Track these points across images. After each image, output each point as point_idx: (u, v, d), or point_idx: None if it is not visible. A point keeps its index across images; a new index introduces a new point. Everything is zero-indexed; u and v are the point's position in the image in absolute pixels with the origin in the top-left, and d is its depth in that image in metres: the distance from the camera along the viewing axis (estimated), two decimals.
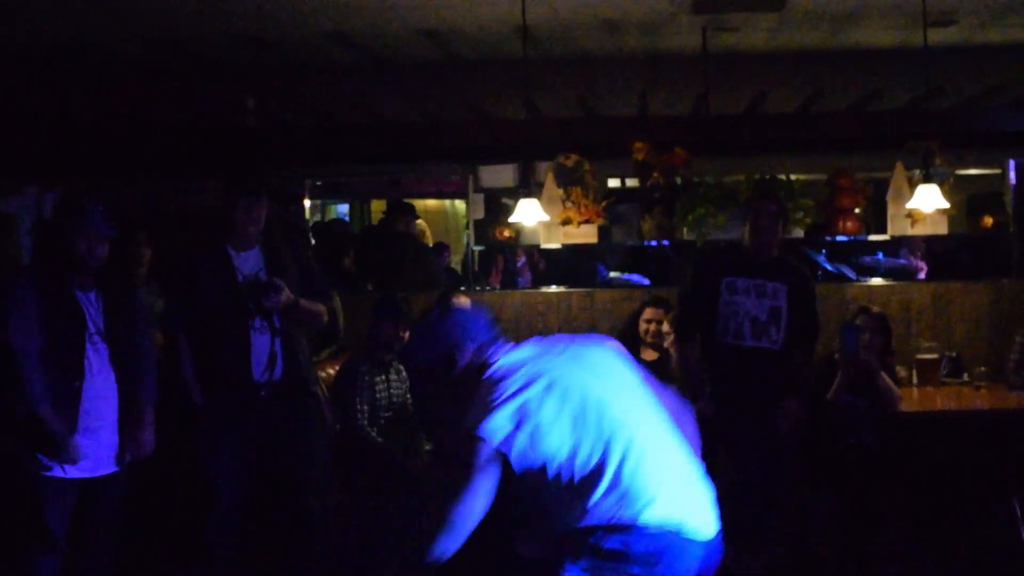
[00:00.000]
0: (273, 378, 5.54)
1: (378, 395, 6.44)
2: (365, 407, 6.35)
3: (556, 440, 3.39)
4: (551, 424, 3.40)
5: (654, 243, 8.40)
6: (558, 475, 3.40)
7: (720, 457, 5.82)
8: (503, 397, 3.43)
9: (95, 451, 4.95)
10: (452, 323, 3.81)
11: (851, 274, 9.16)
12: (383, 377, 6.51)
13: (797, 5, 7.72)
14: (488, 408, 3.42)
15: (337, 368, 6.87)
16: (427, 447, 6.62)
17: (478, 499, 3.41)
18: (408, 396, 6.66)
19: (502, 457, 3.41)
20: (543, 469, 3.41)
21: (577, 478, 3.38)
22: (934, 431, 6.46)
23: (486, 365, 3.64)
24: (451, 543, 3.41)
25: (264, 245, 5.64)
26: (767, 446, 6.00)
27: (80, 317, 4.94)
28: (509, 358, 3.62)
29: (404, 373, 6.71)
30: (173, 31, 8.19)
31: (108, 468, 5.03)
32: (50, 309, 4.86)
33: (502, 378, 3.50)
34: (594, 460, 3.37)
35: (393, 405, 6.55)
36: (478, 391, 3.53)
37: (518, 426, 3.39)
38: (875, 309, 6.74)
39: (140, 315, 5.28)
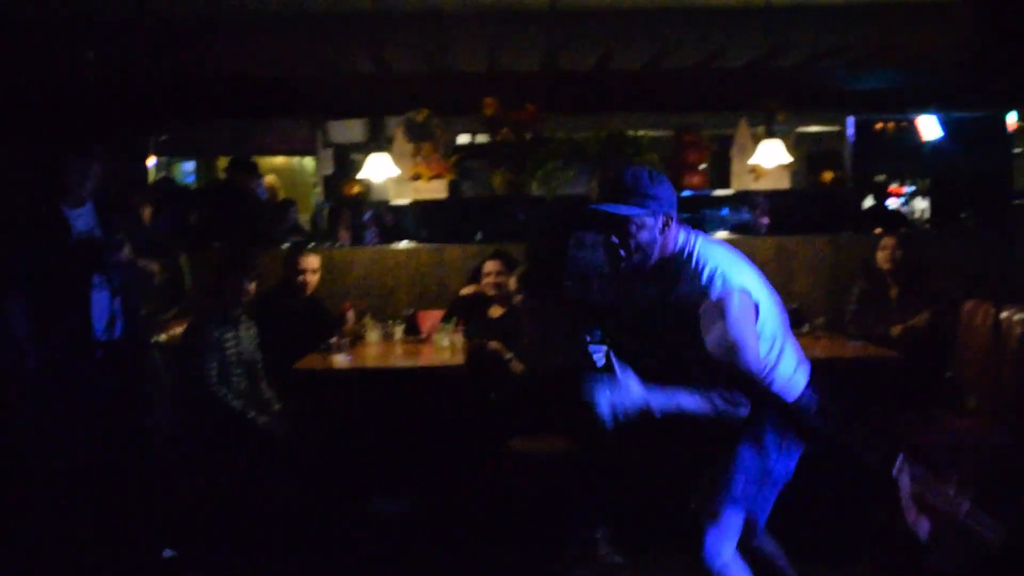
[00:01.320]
0: (113, 337, 5.43)
1: (227, 352, 6.35)
2: (214, 365, 6.26)
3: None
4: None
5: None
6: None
7: None
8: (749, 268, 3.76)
9: None
10: (667, 188, 3.77)
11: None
12: (233, 334, 6.42)
13: None
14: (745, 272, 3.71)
15: (184, 327, 6.77)
16: (277, 406, 6.57)
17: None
18: (258, 352, 6.60)
19: None
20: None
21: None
22: None
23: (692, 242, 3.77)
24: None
25: (98, 201, 5.50)
26: None
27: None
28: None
29: (254, 329, 6.64)
30: None
31: None
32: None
33: (735, 255, 3.78)
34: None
35: (243, 361, 6.48)
36: (707, 263, 3.67)
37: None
38: None
39: None
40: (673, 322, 3.76)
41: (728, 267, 3.69)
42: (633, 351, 3.85)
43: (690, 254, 3.74)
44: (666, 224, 3.72)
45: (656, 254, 3.75)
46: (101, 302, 5.37)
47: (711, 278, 3.65)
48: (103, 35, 9.03)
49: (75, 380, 5.35)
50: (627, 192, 3.71)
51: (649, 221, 3.70)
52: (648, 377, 3.74)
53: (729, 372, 3.67)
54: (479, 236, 8.59)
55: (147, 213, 7.44)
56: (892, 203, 12.04)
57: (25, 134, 8.65)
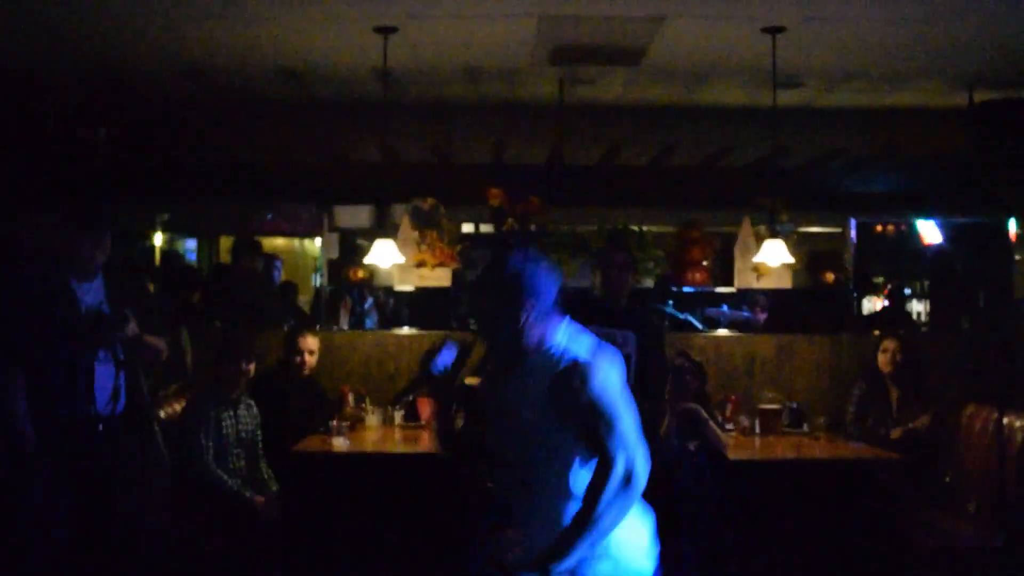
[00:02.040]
0: (115, 412, 5.42)
1: (224, 432, 6.36)
2: (211, 444, 6.27)
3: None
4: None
5: None
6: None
7: None
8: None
9: None
10: (532, 274, 3.52)
11: (698, 324, 9.37)
12: (231, 413, 6.44)
13: (652, 61, 7.89)
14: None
15: (183, 404, 6.77)
16: (275, 486, 6.56)
17: None
18: (258, 432, 6.60)
19: None
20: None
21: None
22: (774, 479, 6.61)
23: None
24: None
25: (106, 277, 5.52)
26: None
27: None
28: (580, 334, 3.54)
29: (254, 408, 6.65)
30: (27, 57, 7.98)
31: None
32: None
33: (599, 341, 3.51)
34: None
35: (242, 441, 6.48)
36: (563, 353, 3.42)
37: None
38: (695, 357, 7.00)
39: None
40: (529, 419, 3.45)
41: (591, 347, 3.46)
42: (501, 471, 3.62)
43: (552, 344, 3.48)
44: (525, 313, 3.46)
45: (507, 338, 3.51)
46: (105, 376, 5.37)
47: (566, 350, 3.44)
48: (114, 114, 9.13)
49: (75, 455, 5.33)
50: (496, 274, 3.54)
51: (508, 311, 3.47)
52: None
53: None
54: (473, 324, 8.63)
55: (153, 289, 7.48)
56: (878, 304, 12.08)
57: (35, 207, 8.72)
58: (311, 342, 7.32)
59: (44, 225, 7.90)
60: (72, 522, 5.38)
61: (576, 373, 3.37)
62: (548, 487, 3.46)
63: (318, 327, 8.61)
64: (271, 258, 9.59)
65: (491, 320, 3.58)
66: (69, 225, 5.44)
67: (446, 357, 3.71)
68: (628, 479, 3.35)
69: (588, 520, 3.33)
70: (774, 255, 7.59)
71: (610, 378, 3.40)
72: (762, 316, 10.16)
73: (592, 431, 3.39)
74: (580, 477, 3.43)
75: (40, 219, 8.42)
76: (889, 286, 11.80)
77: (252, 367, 6.62)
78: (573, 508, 3.39)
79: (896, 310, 11.00)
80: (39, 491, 5.30)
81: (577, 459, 3.44)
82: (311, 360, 7.30)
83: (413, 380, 7.46)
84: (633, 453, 3.37)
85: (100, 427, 5.36)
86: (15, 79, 8.55)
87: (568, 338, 3.48)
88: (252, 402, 6.67)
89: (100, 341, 5.33)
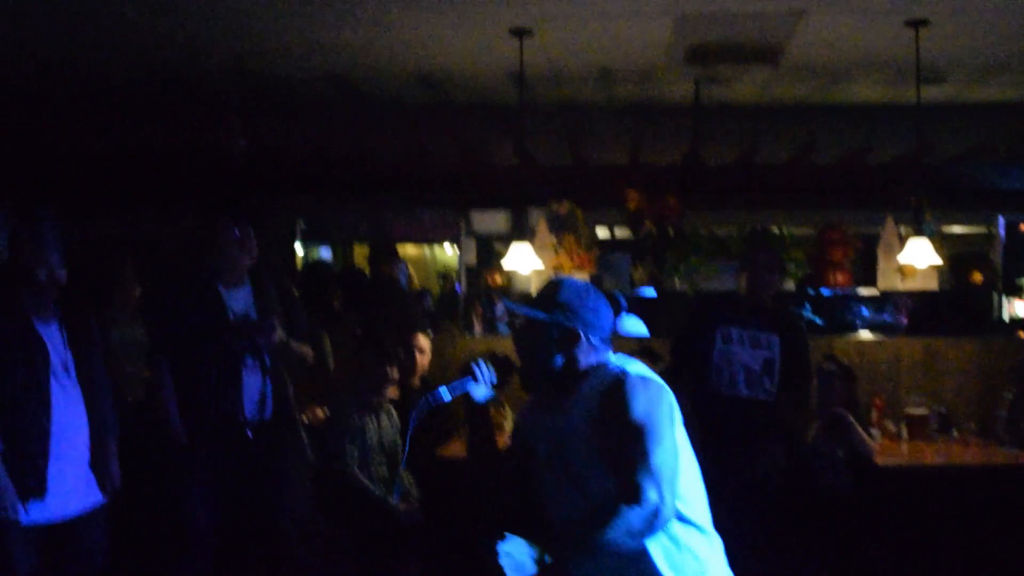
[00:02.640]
0: (263, 417, 5.49)
1: (368, 439, 6.39)
2: (355, 451, 6.30)
3: None
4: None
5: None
6: None
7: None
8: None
9: (68, 488, 4.76)
10: (584, 304, 3.38)
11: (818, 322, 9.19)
12: (373, 419, 6.47)
13: (790, 59, 7.76)
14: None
15: (324, 408, 6.83)
16: (417, 492, 6.58)
17: None
18: (399, 439, 6.62)
19: None
20: None
21: None
22: (923, 486, 6.44)
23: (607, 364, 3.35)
24: None
25: (253, 283, 5.59)
26: (753, 494, 5.97)
27: (43, 350, 4.78)
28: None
29: (395, 415, 6.68)
30: (170, 63, 8.16)
31: (82, 505, 4.86)
32: (8, 344, 4.71)
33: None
34: None
35: (385, 449, 6.50)
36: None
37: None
38: (844, 360, 6.86)
39: (99, 346, 5.14)
40: (577, 451, 3.25)
41: (641, 369, 3.30)
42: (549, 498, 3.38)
43: (600, 371, 3.32)
44: (576, 341, 3.32)
45: (558, 368, 3.33)
46: (253, 383, 5.44)
47: (614, 371, 3.26)
48: (254, 123, 9.28)
49: (224, 459, 5.41)
50: (544, 299, 3.40)
51: (555, 332, 3.32)
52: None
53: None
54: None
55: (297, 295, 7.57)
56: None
57: (180, 212, 8.91)
58: (422, 341, 7.31)
59: (191, 229, 8.07)
60: (219, 526, 5.46)
61: (623, 387, 3.17)
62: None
63: (453, 332, 8.63)
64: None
65: (539, 353, 3.34)
66: (214, 227, 5.52)
67: (458, 388, 3.39)
68: (651, 521, 3.05)
69: (591, 536, 3.07)
70: (920, 255, 7.39)
71: (660, 403, 3.18)
72: (902, 319, 9.92)
73: (627, 459, 3.09)
74: None
75: (187, 223, 8.61)
76: None
77: (396, 372, 6.65)
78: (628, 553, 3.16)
79: None
80: (189, 493, 5.40)
81: None
82: (422, 360, 7.28)
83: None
84: (665, 495, 3.05)
85: (249, 433, 5.42)
86: (156, 87, 8.75)
87: (619, 363, 3.34)
88: (393, 408, 6.70)
89: (248, 347, 5.40)
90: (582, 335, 3.32)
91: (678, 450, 3.19)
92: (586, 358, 3.34)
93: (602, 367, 3.32)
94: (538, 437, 3.41)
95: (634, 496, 3.02)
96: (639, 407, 3.13)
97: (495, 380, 3.46)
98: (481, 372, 3.45)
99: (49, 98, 9.24)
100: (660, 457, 3.08)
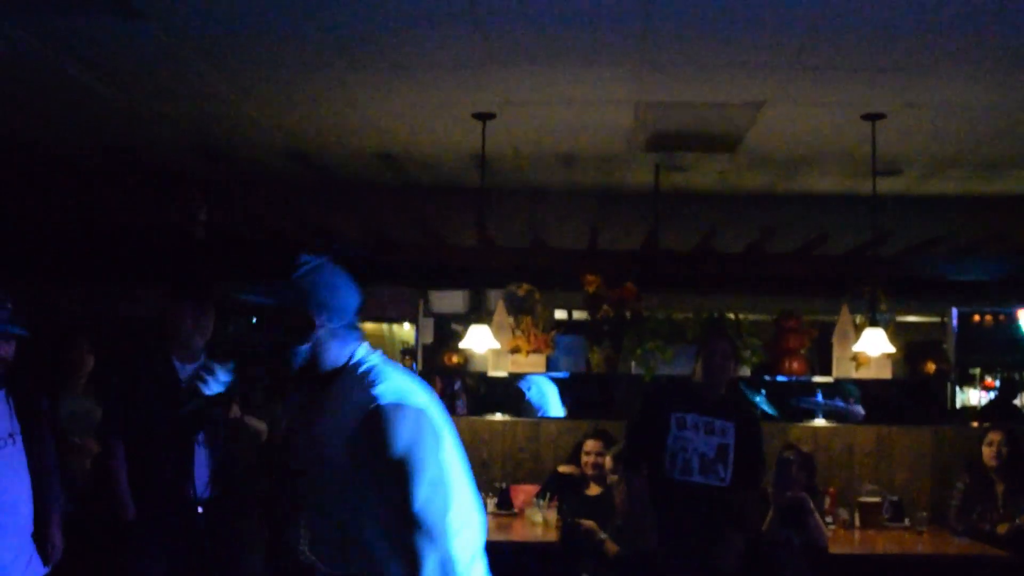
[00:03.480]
0: (214, 494, 5.45)
1: None
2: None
3: None
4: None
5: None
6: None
7: None
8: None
9: (9, 560, 4.70)
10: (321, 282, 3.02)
11: (771, 412, 9.24)
12: None
13: (749, 149, 7.86)
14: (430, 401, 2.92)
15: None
16: None
17: None
18: None
19: None
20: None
21: None
22: (876, 574, 6.46)
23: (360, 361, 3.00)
24: None
25: (208, 357, 5.58)
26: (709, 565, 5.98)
27: None
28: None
29: None
30: (129, 139, 8.16)
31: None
32: None
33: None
34: None
35: None
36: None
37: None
38: (803, 448, 6.89)
39: (46, 417, 5.10)
40: (321, 462, 2.91)
41: (408, 386, 2.90)
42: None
43: (359, 370, 2.96)
44: (311, 328, 2.94)
45: (300, 363, 2.96)
46: (205, 458, 5.41)
47: (377, 387, 2.85)
48: (212, 194, 9.28)
49: (174, 534, 5.36)
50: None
51: (288, 320, 2.95)
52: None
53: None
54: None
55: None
56: (983, 397, 11.86)
57: (137, 283, 8.87)
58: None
59: (145, 300, 8.04)
60: None
61: (379, 420, 2.78)
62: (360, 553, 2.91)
63: None
64: None
65: (280, 341, 2.97)
66: (172, 305, 5.52)
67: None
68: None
69: None
70: (874, 344, 7.46)
71: (421, 436, 2.79)
72: (857, 407, 9.98)
73: (393, 508, 2.77)
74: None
75: (142, 294, 8.56)
76: (998, 378, 11.56)
77: None
78: None
79: (1005, 403, 10.74)
80: (138, 567, 5.34)
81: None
82: None
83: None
84: (443, 544, 2.74)
85: (200, 509, 5.38)
86: (116, 156, 8.74)
87: (380, 364, 2.99)
88: None
89: (202, 423, 5.37)
90: (319, 320, 2.94)
91: (445, 479, 2.83)
92: (332, 348, 2.98)
93: (359, 368, 2.96)
94: (296, 445, 3.06)
95: (413, 566, 2.73)
96: (398, 444, 2.76)
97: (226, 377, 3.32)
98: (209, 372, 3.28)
99: (6, 171, 9.21)
100: (427, 500, 2.75)
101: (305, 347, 2.95)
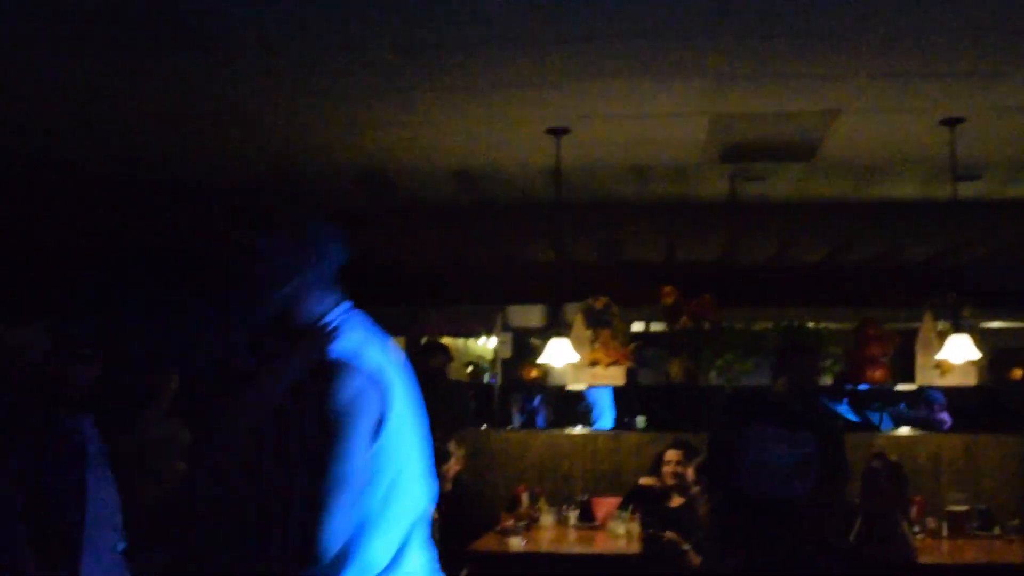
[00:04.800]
0: None
1: None
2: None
3: None
4: None
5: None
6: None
7: None
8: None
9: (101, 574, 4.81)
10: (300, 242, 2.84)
11: (876, 421, 9.14)
12: None
13: (825, 157, 7.81)
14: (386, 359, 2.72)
15: None
16: None
17: None
18: (436, 535, 6.62)
19: None
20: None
21: None
22: None
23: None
24: None
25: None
26: None
27: (78, 442, 4.81)
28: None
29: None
30: (197, 172, 8.28)
31: None
32: (42, 436, 4.74)
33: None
34: None
35: None
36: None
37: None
38: (892, 457, 6.80)
39: (137, 439, 5.15)
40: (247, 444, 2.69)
41: (365, 347, 2.68)
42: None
43: (324, 328, 2.75)
44: (279, 282, 2.79)
45: (270, 313, 2.82)
46: None
47: (331, 344, 2.66)
48: (287, 220, 9.36)
49: None
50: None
51: (263, 269, 2.80)
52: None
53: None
54: (642, 422, 8.67)
55: None
56: None
57: (204, 316, 8.97)
58: (453, 447, 7.28)
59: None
60: None
61: (319, 375, 2.57)
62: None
63: (485, 427, 8.66)
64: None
65: (248, 294, 2.86)
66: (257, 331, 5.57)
67: None
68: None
69: None
70: (959, 351, 7.37)
71: (362, 402, 2.53)
72: (942, 416, 9.86)
73: (302, 488, 2.49)
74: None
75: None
76: None
77: (449, 469, 6.68)
78: None
79: None
80: None
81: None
82: (455, 465, 7.26)
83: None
84: (344, 548, 2.45)
85: None
86: (188, 191, 8.88)
87: (347, 322, 2.78)
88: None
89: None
90: (300, 274, 2.81)
91: (363, 469, 2.53)
92: (307, 303, 2.81)
93: (326, 326, 2.75)
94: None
95: (305, 556, 2.46)
96: (334, 402, 2.54)
97: None
98: None
99: (91, 206, 9.40)
100: (345, 495, 2.47)
101: (279, 295, 2.79)
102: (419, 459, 2.77)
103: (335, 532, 2.44)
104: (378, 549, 2.58)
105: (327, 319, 2.78)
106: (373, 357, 2.67)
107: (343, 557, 2.50)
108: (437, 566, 2.79)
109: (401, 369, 2.79)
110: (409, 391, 2.79)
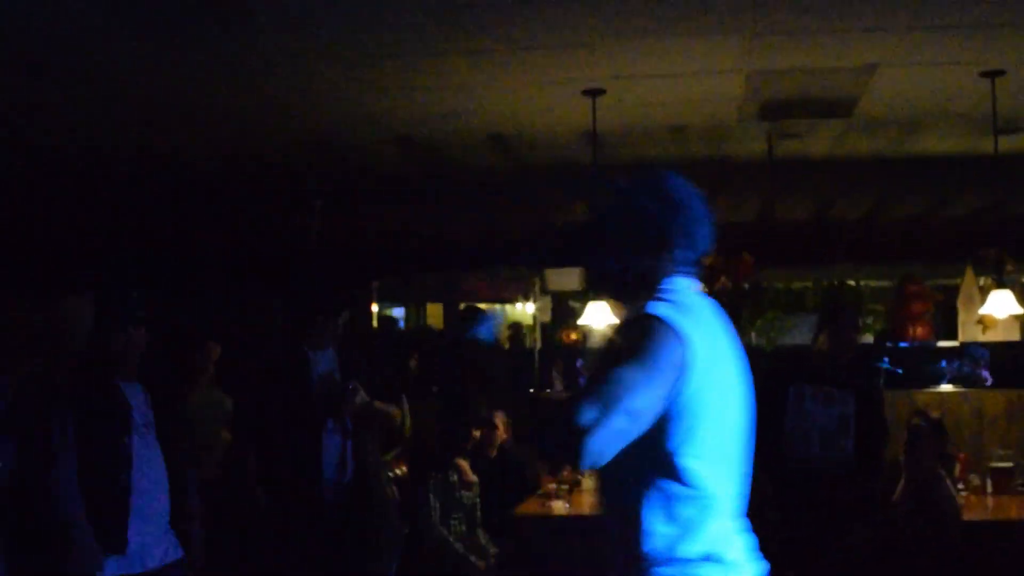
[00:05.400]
0: (343, 480, 5.53)
1: (447, 497, 6.44)
2: (438, 504, 6.35)
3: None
4: None
5: None
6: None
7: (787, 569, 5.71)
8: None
9: (148, 544, 4.83)
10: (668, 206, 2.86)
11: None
12: (452, 478, 6.51)
13: (863, 113, 7.74)
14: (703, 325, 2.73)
15: (405, 468, 6.89)
16: (493, 551, 6.59)
17: None
18: (478, 499, 6.66)
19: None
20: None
21: None
22: (1010, 541, 6.33)
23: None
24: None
25: (337, 345, 5.66)
26: (834, 559, 5.89)
27: (126, 410, 4.88)
28: None
29: (472, 476, 6.72)
30: (245, 143, 8.32)
31: (160, 560, 4.91)
32: (93, 404, 4.82)
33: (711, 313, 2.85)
34: None
35: (463, 506, 6.54)
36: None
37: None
38: (933, 413, 6.76)
39: (178, 412, 5.25)
40: None
41: (680, 309, 2.69)
42: None
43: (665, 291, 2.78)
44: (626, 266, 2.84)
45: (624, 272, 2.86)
46: (333, 444, 5.49)
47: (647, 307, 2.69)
48: (327, 189, 9.41)
49: (306, 522, 5.45)
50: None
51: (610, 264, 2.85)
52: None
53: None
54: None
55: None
56: None
57: (258, 281, 9.05)
58: (499, 418, 7.30)
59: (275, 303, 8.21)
60: None
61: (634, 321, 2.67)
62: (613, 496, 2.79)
63: (531, 391, 8.66)
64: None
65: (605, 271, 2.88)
66: (300, 307, 5.62)
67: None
68: (575, 447, 2.46)
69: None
70: (1002, 306, 7.30)
71: (652, 342, 2.58)
72: (984, 373, 9.78)
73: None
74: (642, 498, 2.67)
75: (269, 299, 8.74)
76: None
77: (477, 433, 6.71)
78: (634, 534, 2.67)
79: None
80: (270, 555, 5.45)
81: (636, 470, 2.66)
82: (500, 434, 7.28)
83: None
84: (600, 431, 2.46)
85: (329, 495, 5.46)
86: (234, 162, 8.92)
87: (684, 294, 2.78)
88: (469, 468, 6.74)
89: (332, 411, 5.46)
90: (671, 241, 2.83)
91: (653, 390, 2.56)
92: (663, 267, 2.84)
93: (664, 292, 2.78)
94: None
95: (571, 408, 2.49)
96: (627, 337, 2.66)
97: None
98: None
99: (127, 182, 9.46)
100: (617, 389, 2.52)
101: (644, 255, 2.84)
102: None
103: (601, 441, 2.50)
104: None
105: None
106: (689, 321, 2.67)
107: None
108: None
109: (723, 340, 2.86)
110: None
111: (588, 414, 2.46)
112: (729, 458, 2.78)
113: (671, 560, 2.66)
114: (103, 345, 4.86)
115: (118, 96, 6.82)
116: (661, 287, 2.80)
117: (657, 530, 2.66)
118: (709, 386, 2.68)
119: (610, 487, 2.81)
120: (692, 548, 2.67)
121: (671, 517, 2.66)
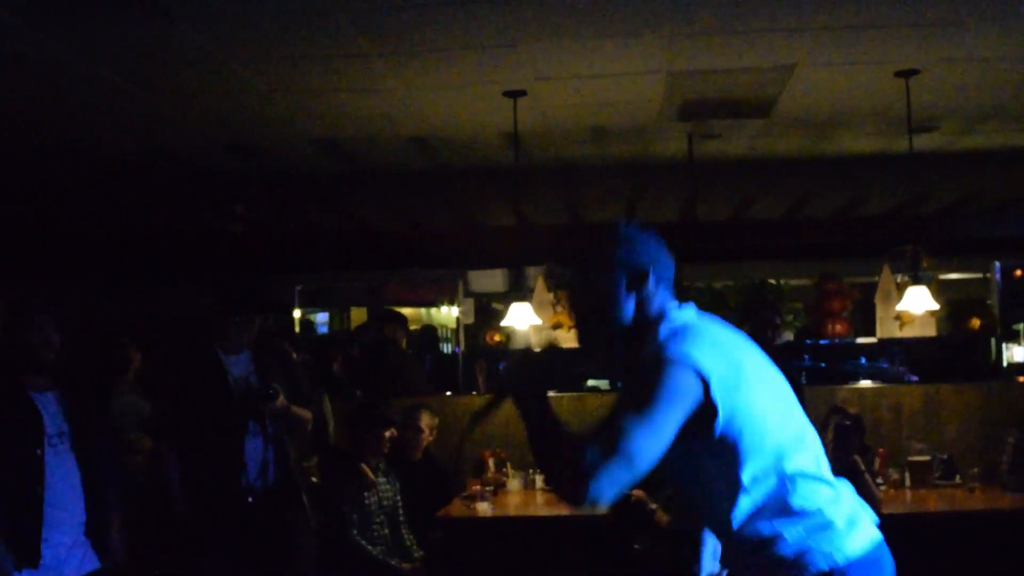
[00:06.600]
0: (266, 484, 5.47)
1: (366, 500, 6.39)
2: (355, 516, 6.31)
3: None
4: None
5: None
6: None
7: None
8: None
9: (62, 556, 4.73)
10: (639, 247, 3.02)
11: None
12: (360, 482, 6.48)
13: (782, 113, 7.82)
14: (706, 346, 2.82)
15: (319, 472, 6.86)
16: (418, 553, 6.57)
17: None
18: (398, 499, 6.63)
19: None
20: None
21: None
22: (928, 533, 6.42)
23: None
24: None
25: (253, 348, 5.59)
26: None
27: (38, 419, 4.78)
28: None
29: (394, 476, 6.69)
30: (162, 138, 8.22)
31: (76, 572, 4.82)
32: (3, 414, 4.71)
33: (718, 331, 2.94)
34: None
35: (384, 509, 6.50)
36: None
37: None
38: (851, 409, 6.85)
39: (99, 415, 5.15)
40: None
41: (689, 336, 2.82)
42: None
43: (662, 325, 2.91)
44: (632, 285, 2.96)
45: (622, 322, 2.96)
46: (255, 448, 5.43)
47: (660, 340, 2.82)
48: (248, 191, 9.33)
49: (226, 526, 5.39)
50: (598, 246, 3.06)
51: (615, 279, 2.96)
52: None
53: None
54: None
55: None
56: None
57: (178, 280, 8.94)
58: (426, 419, 7.27)
59: (189, 298, 8.10)
60: None
61: (649, 358, 2.78)
62: (704, 506, 2.97)
63: (449, 394, 8.66)
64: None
65: (597, 319, 3.00)
66: (220, 308, 5.54)
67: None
68: (582, 478, 2.61)
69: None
70: (918, 302, 7.42)
71: (667, 379, 2.70)
72: (902, 369, 9.94)
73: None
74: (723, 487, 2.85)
75: (185, 293, 8.64)
76: None
77: (390, 435, 6.67)
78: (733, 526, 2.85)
79: None
80: (192, 560, 5.38)
81: (713, 471, 2.84)
82: (426, 437, 7.25)
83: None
84: (609, 462, 2.62)
85: (250, 499, 5.40)
86: (152, 158, 8.81)
87: (691, 322, 2.91)
88: (391, 471, 6.70)
89: (250, 414, 5.39)
90: (650, 273, 2.95)
91: (658, 434, 2.68)
92: (652, 303, 2.96)
93: (668, 324, 2.90)
94: None
95: (578, 452, 2.67)
96: (638, 379, 2.76)
97: None
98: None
99: (53, 176, 9.31)
100: (627, 422, 2.66)
101: (631, 299, 2.96)
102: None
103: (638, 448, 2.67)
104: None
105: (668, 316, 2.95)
106: (694, 347, 2.80)
107: None
108: None
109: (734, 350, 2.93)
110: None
111: (593, 459, 2.63)
112: (796, 424, 3.02)
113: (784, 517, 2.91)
114: (18, 347, 4.76)
115: (30, 85, 6.70)
116: (659, 320, 2.93)
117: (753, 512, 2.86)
118: (743, 387, 2.84)
119: (701, 502, 3.00)
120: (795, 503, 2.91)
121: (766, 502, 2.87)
